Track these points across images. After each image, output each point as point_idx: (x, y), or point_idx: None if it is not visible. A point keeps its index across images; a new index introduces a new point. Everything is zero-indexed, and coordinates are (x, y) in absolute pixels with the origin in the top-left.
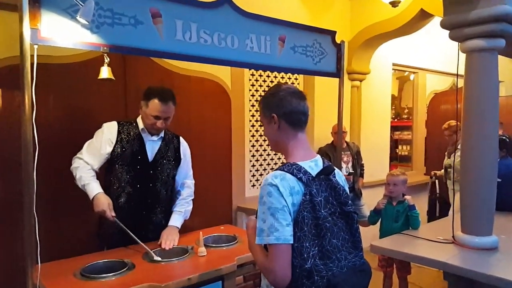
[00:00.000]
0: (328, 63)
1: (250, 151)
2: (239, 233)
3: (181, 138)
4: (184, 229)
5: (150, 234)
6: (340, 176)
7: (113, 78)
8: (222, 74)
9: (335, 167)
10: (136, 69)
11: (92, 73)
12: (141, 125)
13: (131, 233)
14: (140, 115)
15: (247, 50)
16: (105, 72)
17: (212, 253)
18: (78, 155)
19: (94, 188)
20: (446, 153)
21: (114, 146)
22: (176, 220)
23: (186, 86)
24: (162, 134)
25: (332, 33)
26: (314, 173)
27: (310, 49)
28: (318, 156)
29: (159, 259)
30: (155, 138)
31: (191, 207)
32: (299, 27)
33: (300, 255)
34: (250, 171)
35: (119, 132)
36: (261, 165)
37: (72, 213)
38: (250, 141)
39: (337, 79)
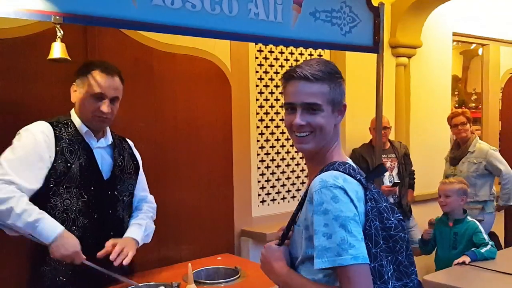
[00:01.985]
0: (362, 34)
1: (258, 154)
2: (242, 264)
3: (128, 140)
4: (168, 260)
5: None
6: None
7: (68, 58)
8: (219, 50)
9: (386, 169)
10: (102, 45)
11: (42, 51)
12: (82, 126)
13: (114, 274)
14: (74, 109)
15: (250, 17)
16: (57, 50)
17: None
18: (2, 177)
19: (54, 225)
20: (446, 159)
21: (54, 161)
22: (134, 232)
23: (170, 68)
24: (110, 138)
25: None
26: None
27: (337, 14)
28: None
29: None
30: (103, 143)
31: (153, 226)
32: None
33: (380, 278)
34: (259, 181)
35: (57, 139)
36: (273, 173)
37: None
38: (258, 141)
39: (375, 55)
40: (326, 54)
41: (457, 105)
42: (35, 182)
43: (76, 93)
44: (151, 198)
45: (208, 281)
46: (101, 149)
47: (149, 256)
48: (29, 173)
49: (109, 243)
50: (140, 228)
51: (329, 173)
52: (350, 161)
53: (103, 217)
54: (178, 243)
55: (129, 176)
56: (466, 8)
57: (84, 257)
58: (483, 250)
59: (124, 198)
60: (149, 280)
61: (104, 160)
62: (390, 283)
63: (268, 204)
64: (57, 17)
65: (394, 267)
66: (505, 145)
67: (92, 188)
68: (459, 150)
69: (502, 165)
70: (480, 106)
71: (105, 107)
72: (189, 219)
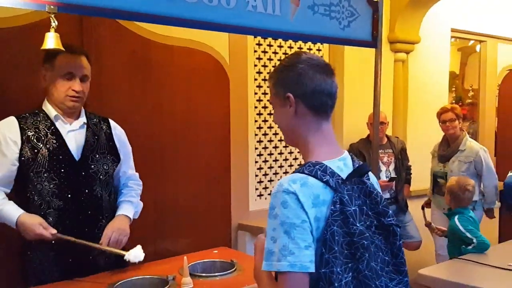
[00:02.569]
0: (361, 28)
1: (256, 148)
2: (238, 258)
3: (111, 121)
4: (165, 253)
5: (99, 257)
6: (374, 179)
7: (62, 48)
8: (217, 43)
9: (370, 169)
10: (98, 36)
11: (37, 41)
12: (52, 112)
13: (87, 242)
14: (46, 98)
15: (248, 10)
16: (51, 40)
17: (202, 285)
18: None
19: (12, 211)
20: (434, 154)
21: (21, 150)
22: (126, 209)
23: (168, 60)
24: (84, 119)
25: None
26: (344, 175)
27: (336, 8)
28: (346, 153)
29: (133, 259)
30: (75, 126)
31: (141, 203)
32: None
33: (329, 284)
34: (256, 176)
35: (22, 130)
36: (270, 167)
37: None
38: (256, 135)
39: (373, 50)
40: (325, 48)
41: (454, 101)
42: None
43: (46, 77)
44: (136, 175)
45: (204, 274)
46: (74, 131)
47: (145, 249)
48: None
49: (107, 232)
50: (132, 205)
51: (290, 176)
52: (328, 161)
53: (78, 197)
54: (175, 236)
55: (102, 156)
56: (464, 5)
57: (53, 231)
58: (470, 247)
59: (101, 177)
60: (144, 273)
61: (77, 141)
62: None
63: (266, 198)
64: (52, 7)
65: (353, 275)
66: (501, 141)
67: (63, 170)
68: (449, 148)
69: (488, 170)
70: (477, 103)
71: (76, 85)
72: (186, 212)
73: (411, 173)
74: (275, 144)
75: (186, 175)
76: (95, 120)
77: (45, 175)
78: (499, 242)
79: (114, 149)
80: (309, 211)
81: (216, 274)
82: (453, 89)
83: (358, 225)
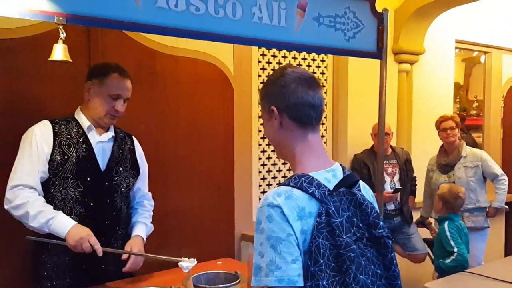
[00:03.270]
0: (366, 39)
1: (260, 158)
2: (242, 269)
3: (134, 138)
4: (168, 264)
5: (110, 266)
6: (367, 190)
7: (69, 60)
8: (222, 54)
9: (359, 178)
10: (105, 47)
11: (45, 51)
12: (85, 122)
13: (137, 252)
14: (81, 106)
15: (253, 21)
16: (58, 52)
17: None
18: (13, 182)
19: (64, 223)
20: (432, 167)
21: (52, 154)
22: (141, 230)
23: (174, 71)
24: (112, 133)
25: None
26: (331, 187)
27: (341, 20)
28: (337, 164)
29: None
30: (104, 138)
31: (152, 227)
32: None
33: None
34: (260, 186)
35: (55, 134)
36: (274, 177)
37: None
38: (260, 145)
39: (377, 61)
40: (329, 59)
41: (458, 112)
42: (35, 176)
43: (91, 91)
44: (150, 195)
45: (207, 286)
46: (103, 143)
47: (148, 260)
48: (31, 168)
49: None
50: (146, 227)
51: (275, 189)
52: (315, 173)
53: (99, 206)
54: (178, 246)
55: (125, 169)
56: (469, 16)
57: (100, 250)
58: (448, 261)
59: (122, 189)
60: (148, 284)
61: (104, 153)
62: None
63: None
64: (60, 18)
65: None
66: (507, 152)
67: (89, 178)
68: (450, 156)
69: (496, 166)
70: (481, 114)
71: (120, 106)
72: (189, 222)
73: (416, 184)
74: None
75: (190, 185)
76: (121, 134)
77: (72, 181)
78: (505, 255)
79: (135, 164)
80: (294, 224)
81: (220, 286)
82: (457, 100)
83: (344, 237)
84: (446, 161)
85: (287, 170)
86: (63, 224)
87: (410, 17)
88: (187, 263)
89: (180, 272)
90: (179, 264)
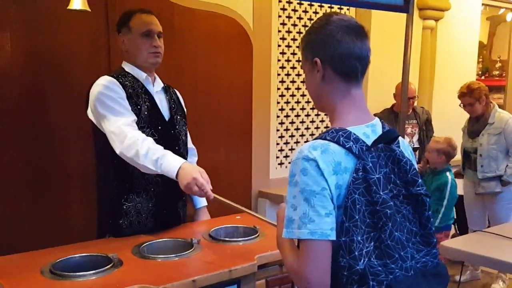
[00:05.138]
0: None
1: (278, 116)
2: (261, 224)
3: (175, 89)
4: (187, 219)
5: (181, 212)
6: (406, 146)
7: (88, 9)
8: (241, 7)
9: (399, 134)
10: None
11: (63, 1)
12: (141, 74)
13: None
14: (125, 60)
15: None
16: (77, 1)
17: (225, 250)
18: (116, 124)
19: (174, 162)
20: (464, 131)
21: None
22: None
23: (191, 24)
24: (161, 83)
25: None
26: (369, 142)
27: None
28: (377, 119)
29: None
30: (158, 88)
31: None
32: None
33: (349, 253)
34: (277, 144)
35: (123, 86)
36: (292, 136)
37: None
38: (278, 102)
39: (403, 16)
40: (351, 12)
41: (480, 72)
42: (134, 119)
43: (125, 41)
44: (195, 150)
45: (227, 239)
46: (158, 93)
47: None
48: (127, 111)
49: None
50: None
51: (311, 142)
52: (353, 127)
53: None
54: None
55: (182, 117)
56: None
57: (205, 183)
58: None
59: (183, 137)
60: (166, 236)
61: (161, 103)
62: (363, 260)
63: (286, 167)
64: None
65: (376, 244)
66: None
67: (160, 128)
68: (478, 122)
69: None
70: (504, 75)
71: (156, 41)
72: None
73: None
74: (297, 113)
75: (207, 142)
76: (165, 85)
77: (147, 130)
78: None
79: (184, 113)
80: (330, 178)
81: (239, 239)
82: (480, 59)
83: (381, 193)
84: (473, 127)
85: (305, 128)
86: (172, 164)
87: None
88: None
89: (199, 225)
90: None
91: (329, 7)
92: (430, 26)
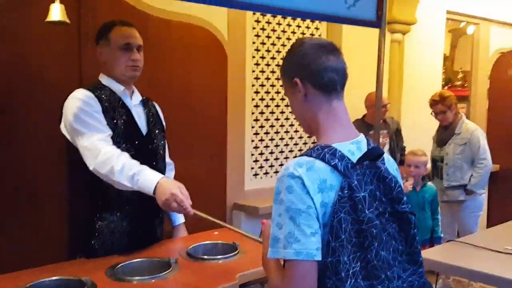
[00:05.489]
0: (366, 8)
1: (253, 127)
2: (240, 240)
3: (153, 101)
4: (164, 235)
5: (158, 230)
6: (391, 163)
7: (67, 21)
8: (216, 19)
9: (383, 151)
10: (96, 9)
11: (36, 11)
12: (118, 86)
13: (224, 224)
14: (102, 72)
15: None
16: (56, 12)
17: (205, 269)
18: (90, 139)
19: (151, 177)
20: (434, 139)
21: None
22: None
23: (166, 35)
24: (140, 96)
25: None
26: (355, 159)
27: None
28: (362, 136)
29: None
30: (136, 101)
31: None
32: None
33: (336, 274)
34: (252, 155)
35: (99, 100)
36: (266, 146)
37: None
38: (253, 113)
39: (371, 30)
40: (323, 27)
41: (443, 82)
42: (108, 135)
43: (103, 53)
44: (173, 164)
45: (206, 257)
46: (136, 107)
47: None
48: (100, 126)
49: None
50: None
51: (297, 159)
52: (338, 144)
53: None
54: None
55: (160, 131)
56: None
57: (185, 199)
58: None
59: (161, 152)
60: (142, 256)
61: (139, 117)
62: (349, 281)
63: (261, 178)
64: None
65: (362, 264)
66: (492, 123)
67: (137, 142)
68: (446, 131)
69: (483, 147)
70: (466, 85)
71: (135, 54)
72: None
73: (405, 154)
74: (272, 123)
75: (182, 153)
76: (145, 98)
77: (123, 145)
78: (487, 227)
79: (163, 127)
80: (315, 196)
81: (219, 257)
82: (443, 70)
83: (367, 212)
84: (441, 136)
85: (280, 139)
86: (149, 180)
87: None
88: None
89: (175, 243)
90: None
91: (301, 20)
92: (398, 40)
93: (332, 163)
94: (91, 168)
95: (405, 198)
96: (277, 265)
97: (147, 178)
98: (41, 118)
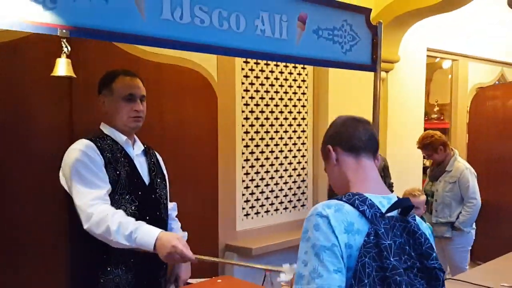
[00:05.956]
0: (361, 52)
1: (243, 167)
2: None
3: (151, 148)
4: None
5: (162, 280)
6: (421, 222)
7: (73, 75)
8: (206, 61)
9: (412, 205)
10: (86, 55)
11: (25, 57)
12: (120, 136)
13: (233, 262)
14: (104, 121)
15: (257, 34)
16: (62, 67)
17: None
18: (85, 199)
19: (149, 232)
20: (428, 173)
21: (106, 169)
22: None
23: (157, 78)
24: (142, 145)
25: (367, 12)
26: (384, 211)
27: (338, 32)
28: (394, 195)
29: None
30: (138, 151)
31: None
32: (324, 2)
33: None
34: (243, 195)
35: (101, 150)
36: (257, 186)
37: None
38: (243, 153)
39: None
40: (309, 68)
41: None
42: (105, 192)
43: (106, 103)
44: (175, 205)
45: None
46: (138, 157)
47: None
48: (99, 182)
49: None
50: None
51: (327, 201)
52: (369, 194)
53: (152, 220)
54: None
55: (162, 180)
56: (439, 25)
57: (185, 249)
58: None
59: (164, 201)
60: None
61: (142, 166)
62: None
63: (252, 218)
64: (64, 31)
65: None
66: (472, 156)
67: (140, 193)
68: (438, 167)
69: (473, 188)
70: (442, 118)
71: (138, 106)
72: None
73: (393, 191)
74: (262, 163)
75: (174, 193)
76: (146, 147)
77: (127, 197)
78: (470, 260)
79: (164, 175)
80: (340, 236)
81: None
82: None
83: (392, 259)
84: (433, 171)
85: (270, 178)
86: (148, 235)
87: (387, 26)
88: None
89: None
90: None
91: (293, 66)
92: (382, 77)
93: (361, 209)
94: (85, 227)
95: (434, 254)
96: None
97: (145, 235)
98: (35, 167)
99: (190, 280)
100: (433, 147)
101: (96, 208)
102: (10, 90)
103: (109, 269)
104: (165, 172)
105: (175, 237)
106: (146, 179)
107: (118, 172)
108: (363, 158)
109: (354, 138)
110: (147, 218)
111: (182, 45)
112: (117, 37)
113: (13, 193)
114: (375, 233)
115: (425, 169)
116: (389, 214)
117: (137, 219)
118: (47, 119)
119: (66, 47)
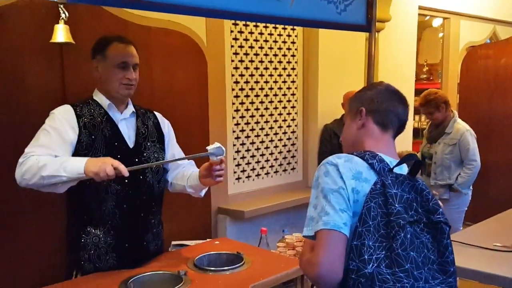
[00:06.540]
0: (356, 12)
1: (234, 131)
2: (243, 249)
3: (156, 113)
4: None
5: (151, 246)
6: (425, 184)
7: (72, 41)
8: (194, 24)
9: (421, 162)
10: (75, 18)
11: (15, 23)
12: (104, 101)
13: (161, 161)
14: (97, 86)
15: None
16: (60, 33)
17: (216, 281)
18: (28, 153)
19: (76, 159)
20: (425, 135)
21: (79, 135)
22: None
23: (146, 41)
24: (132, 108)
25: None
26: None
27: None
28: (405, 165)
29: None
30: (126, 114)
31: None
32: None
33: (359, 256)
34: (234, 159)
35: (78, 116)
36: (248, 150)
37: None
38: (234, 117)
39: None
40: (299, 30)
41: None
42: (59, 150)
43: (99, 68)
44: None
45: (213, 268)
46: (126, 120)
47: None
48: (53, 144)
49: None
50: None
51: (337, 154)
52: (387, 156)
53: (133, 182)
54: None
55: (153, 144)
56: None
57: (118, 163)
58: None
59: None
60: (152, 269)
61: (129, 130)
62: (372, 265)
63: (244, 182)
64: None
65: (387, 254)
66: (462, 116)
67: (119, 156)
68: (437, 129)
69: (473, 150)
70: (431, 78)
71: (131, 74)
72: (167, 195)
73: None
74: (252, 127)
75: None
76: (142, 110)
77: None
78: (464, 221)
79: (162, 140)
80: (348, 181)
81: (227, 268)
82: None
83: (396, 205)
84: (431, 133)
85: (260, 142)
86: (78, 161)
87: None
88: (214, 151)
89: (178, 255)
90: (209, 155)
91: (283, 28)
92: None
93: (370, 162)
94: (19, 181)
95: (441, 210)
96: (309, 244)
97: (75, 162)
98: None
99: (187, 242)
100: (436, 104)
101: (30, 158)
102: (3, 51)
103: (88, 229)
104: (164, 133)
105: (107, 157)
106: (130, 142)
107: (93, 137)
108: (387, 135)
109: (389, 116)
110: (126, 180)
111: (172, 8)
112: (111, 2)
113: (7, 154)
114: (382, 183)
115: (415, 131)
116: (398, 172)
117: (114, 182)
118: (39, 83)
119: (64, 13)
